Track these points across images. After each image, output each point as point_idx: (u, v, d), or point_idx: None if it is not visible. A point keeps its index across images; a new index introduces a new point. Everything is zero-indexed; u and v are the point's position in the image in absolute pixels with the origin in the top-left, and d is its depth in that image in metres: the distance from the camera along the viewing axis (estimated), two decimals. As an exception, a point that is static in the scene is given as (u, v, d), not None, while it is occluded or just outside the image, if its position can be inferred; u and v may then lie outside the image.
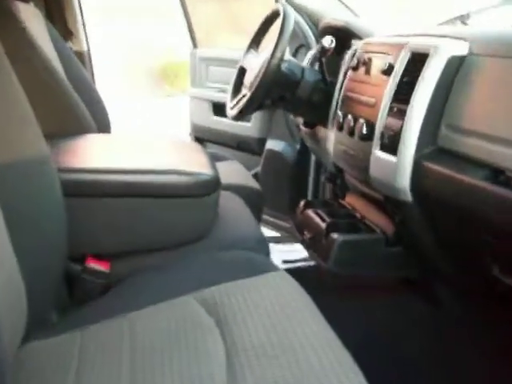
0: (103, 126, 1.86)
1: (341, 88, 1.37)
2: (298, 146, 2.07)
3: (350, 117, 1.25)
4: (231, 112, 1.52)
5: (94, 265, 1.15)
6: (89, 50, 2.35)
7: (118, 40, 8.01)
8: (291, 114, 1.85)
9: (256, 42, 1.59)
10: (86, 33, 2.34)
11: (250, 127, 2.28)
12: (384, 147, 1.08)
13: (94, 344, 0.89)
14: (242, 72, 1.57)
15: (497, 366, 1.20)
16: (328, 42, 1.42)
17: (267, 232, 2.11)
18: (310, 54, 1.55)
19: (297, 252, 1.83)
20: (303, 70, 1.45)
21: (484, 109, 0.92)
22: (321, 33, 1.75)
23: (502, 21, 1.50)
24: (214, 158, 1.48)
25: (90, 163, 1.31)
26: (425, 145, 1.00)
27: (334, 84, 1.44)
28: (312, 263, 1.65)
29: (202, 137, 2.59)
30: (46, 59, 1.62)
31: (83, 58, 2.30)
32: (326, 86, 1.47)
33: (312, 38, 1.88)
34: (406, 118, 1.02)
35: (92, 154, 1.47)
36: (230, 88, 1.61)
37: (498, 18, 1.53)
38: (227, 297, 0.97)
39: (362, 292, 1.45)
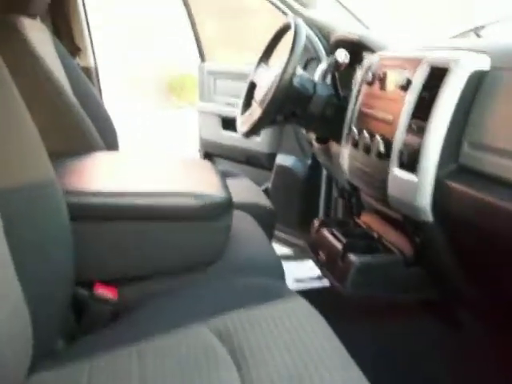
0: (111, 143, 1.83)
1: (355, 103, 1.33)
2: (308, 162, 2.03)
3: (365, 133, 1.21)
4: (242, 128, 1.49)
5: (102, 291, 1.11)
6: (96, 65, 2.33)
7: (124, 51, 8.14)
8: (303, 129, 1.81)
9: (266, 56, 1.57)
10: (93, 49, 2.32)
11: (259, 142, 2.25)
12: (403, 165, 1.05)
13: (103, 376, 0.85)
14: (252, 87, 1.55)
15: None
16: (342, 56, 1.39)
17: (278, 248, 2.08)
18: (321, 67, 1.52)
19: (309, 269, 1.79)
20: (315, 84, 1.43)
21: (508, 125, 0.88)
22: (332, 46, 1.72)
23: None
24: (224, 175, 1.44)
25: (97, 185, 1.26)
26: (446, 163, 0.97)
27: (346, 99, 1.41)
28: (326, 282, 1.61)
29: (211, 152, 2.56)
30: (48, 71, 1.58)
31: (90, 73, 2.28)
32: (339, 101, 1.44)
33: (322, 52, 1.86)
34: (425, 135, 0.98)
35: (99, 174, 1.42)
36: (240, 103, 1.58)
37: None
38: (241, 325, 0.92)
39: (379, 313, 1.41)
